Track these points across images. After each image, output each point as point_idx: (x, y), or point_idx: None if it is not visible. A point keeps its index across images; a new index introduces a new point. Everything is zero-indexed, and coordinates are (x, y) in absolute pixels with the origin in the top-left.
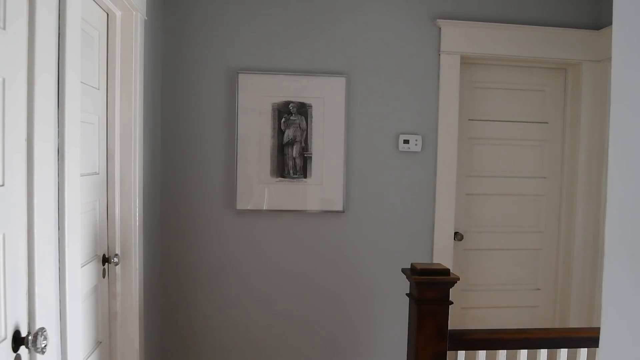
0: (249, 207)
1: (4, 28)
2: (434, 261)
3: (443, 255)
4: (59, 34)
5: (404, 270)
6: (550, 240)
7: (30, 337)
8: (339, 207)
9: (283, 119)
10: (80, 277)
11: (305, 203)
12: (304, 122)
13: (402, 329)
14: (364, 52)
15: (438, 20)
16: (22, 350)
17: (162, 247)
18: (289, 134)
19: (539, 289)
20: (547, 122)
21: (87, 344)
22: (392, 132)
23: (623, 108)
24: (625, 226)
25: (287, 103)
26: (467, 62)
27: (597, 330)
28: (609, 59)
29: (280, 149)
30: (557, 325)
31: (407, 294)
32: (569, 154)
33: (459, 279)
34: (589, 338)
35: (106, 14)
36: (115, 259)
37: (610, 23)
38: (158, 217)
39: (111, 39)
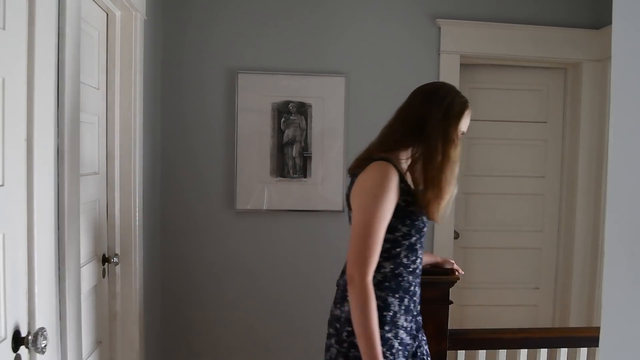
0: (248, 207)
1: (4, 28)
2: None
3: (443, 255)
4: (58, 34)
5: None
6: (549, 239)
7: (30, 337)
8: (339, 207)
9: (283, 119)
10: (80, 277)
11: (305, 203)
12: (304, 121)
13: None
14: (363, 52)
15: (438, 19)
16: (22, 350)
17: (162, 247)
18: (288, 133)
19: (538, 288)
20: (545, 122)
21: (87, 344)
22: None
23: (623, 108)
24: (625, 226)
25: (287, 103)
26: (466, 64)
27: (597, 330)
28: (609, 58)
29: (280, 148)
30: (556, 325)
31: None
32: (569, 154)
33: (459, 278)
34: (589, 338)
35: (106, 14)
36: (115, 259)
37: (610, 22)
38: (158, 217)
39: (111, 39)
